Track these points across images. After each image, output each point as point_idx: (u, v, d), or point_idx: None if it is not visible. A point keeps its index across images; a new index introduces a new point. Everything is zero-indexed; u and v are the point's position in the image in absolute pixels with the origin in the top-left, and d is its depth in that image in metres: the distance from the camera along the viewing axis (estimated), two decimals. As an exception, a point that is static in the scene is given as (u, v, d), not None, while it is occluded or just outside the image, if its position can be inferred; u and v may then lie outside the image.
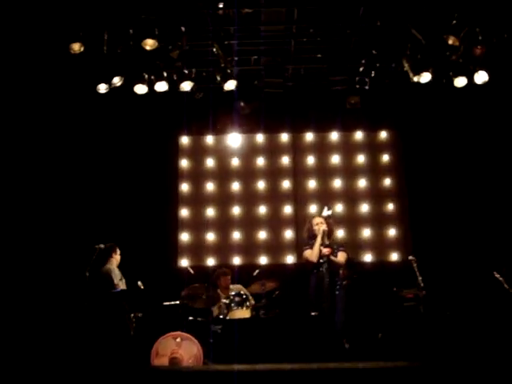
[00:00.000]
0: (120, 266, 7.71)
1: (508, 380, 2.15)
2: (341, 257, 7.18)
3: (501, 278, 6.53)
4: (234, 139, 9.67)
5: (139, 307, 7.14)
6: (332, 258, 7.03)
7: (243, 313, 7.37)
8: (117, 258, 7.65)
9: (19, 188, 8.65)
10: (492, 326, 6.85)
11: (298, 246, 8.72)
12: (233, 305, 7.47)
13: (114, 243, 7.67)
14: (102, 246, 7.28)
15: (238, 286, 8.06)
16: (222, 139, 9.68)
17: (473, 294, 7.89)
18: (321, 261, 6.99)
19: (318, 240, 7.11)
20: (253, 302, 7.67)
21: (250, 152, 9.68)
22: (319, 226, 7.19)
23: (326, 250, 7.01)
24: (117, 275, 7.48)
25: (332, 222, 7.48)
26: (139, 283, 7.27)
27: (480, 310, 7.32)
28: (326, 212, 7.32)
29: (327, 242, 7.10)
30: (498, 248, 7.94)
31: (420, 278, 7.28)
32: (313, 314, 6.70)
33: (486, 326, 6.87)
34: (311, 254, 7.16)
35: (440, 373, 2.03)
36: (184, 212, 9.42)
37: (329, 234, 7.24)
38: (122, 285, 7.46)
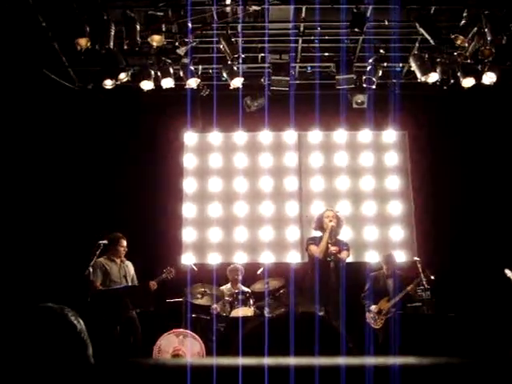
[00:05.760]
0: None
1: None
2: (344, 255, 7.07)
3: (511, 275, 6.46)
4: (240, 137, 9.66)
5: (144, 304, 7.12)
6: (339, 255, 6.92)
7: (246, 311, 7.36)
8: (119, 249, 7.46)
9: (23, 182, 8.64)
10: (499, 326, 6.81)
11: (303, 245, 8.67)
12: (236, 303, 7.46)
13: (118, 233, 7.49)
14: (105, 242, 7.26)
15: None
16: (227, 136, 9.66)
17: (478, 296, 7.85)
18: (328, 259, 6.78)
19: (326, 236, 6.90)
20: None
21: (255, 150, 9.66)
22: (329, 220, 7.03)
23: (334, 249, 6.81)
24: (113, 271, 7.38)
25: (343, 217, 7.39)
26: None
27: (486, 311, 7.28)
28: None
29: (333, 240, 6.92)
30: (504, 250, 7.88)
31: (425, 279, 7.24)
32: (321, 314, 6.60)
33: (492, 327, 6.83)
34: (316, 250, 7.00)
35: (446, 373, 1.98)
36: (188, 209, 9.39)
37: (337, 229, 7.10)
38: (125, 281, 7.43)
